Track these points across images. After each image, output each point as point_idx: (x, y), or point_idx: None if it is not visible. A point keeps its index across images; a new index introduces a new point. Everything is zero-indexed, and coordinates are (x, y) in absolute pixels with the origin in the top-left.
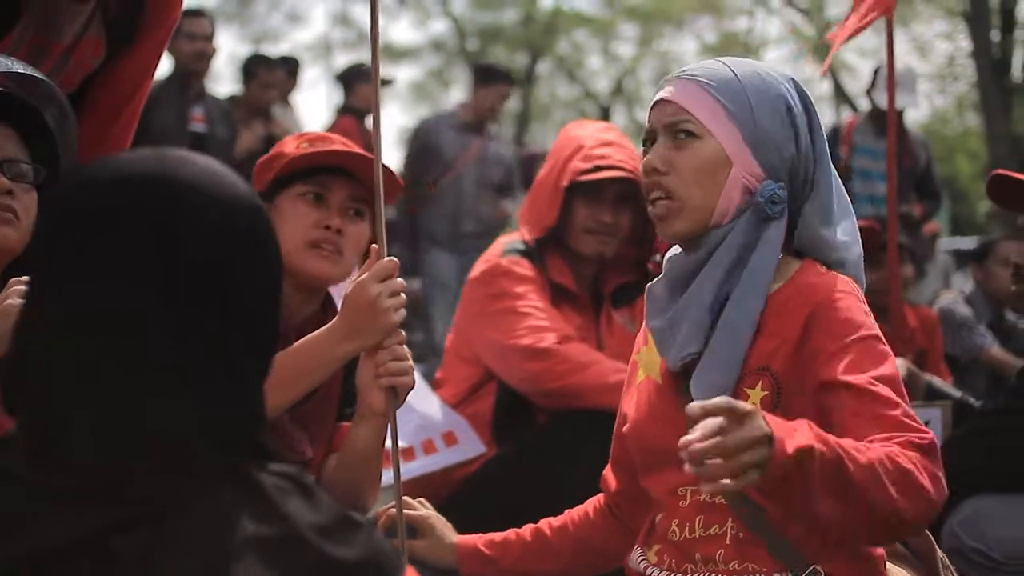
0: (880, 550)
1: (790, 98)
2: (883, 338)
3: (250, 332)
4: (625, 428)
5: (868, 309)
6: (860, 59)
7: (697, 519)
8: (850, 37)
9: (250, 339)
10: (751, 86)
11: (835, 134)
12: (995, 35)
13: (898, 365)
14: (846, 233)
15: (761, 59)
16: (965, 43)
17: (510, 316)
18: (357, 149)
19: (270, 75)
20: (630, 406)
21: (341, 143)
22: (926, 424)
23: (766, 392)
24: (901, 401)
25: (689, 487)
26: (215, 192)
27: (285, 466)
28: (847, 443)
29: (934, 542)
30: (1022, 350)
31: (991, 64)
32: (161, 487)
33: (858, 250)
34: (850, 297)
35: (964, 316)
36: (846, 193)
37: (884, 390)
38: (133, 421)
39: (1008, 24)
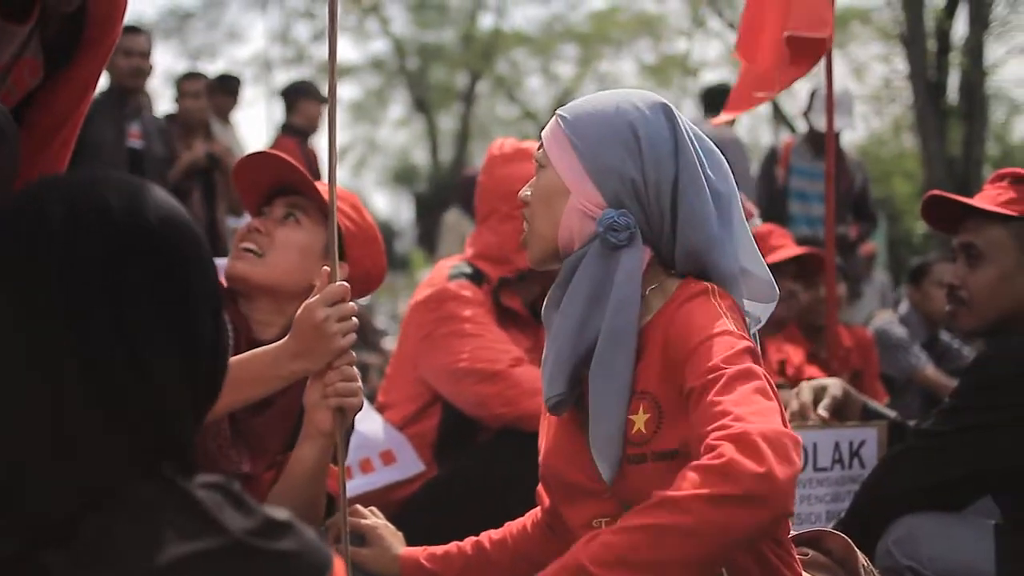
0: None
1: (642, 126)
2: (734, 331)
3: (179, 349)
4: (540, 461)
5: (727, 311)
6: (798, 80)
7: None
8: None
9: (184, 359)
10: (600, 117)
11: (773, 155)
12: (931, 58)
13: (834, 385)
14: (735, 256)
15: (700, 80)
16: (901, 65)
17: (460, 339)
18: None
19: (194, 84)
20: (543, 437)
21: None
22: (861, 444)
23: (648, 415)
24: (739, 385)
25: (603, 518)
26: (126, 213)
27: (213, 477)
28: (610, 537)
29: (854, 546)
30: (956, 370)
31: (927, 86)
32: (91, 503)
33: (757, 272)
34: (698, 300)
35: (899, 336)
36: (741, 214)
37: (715, 380)
38: (57, 438)
39: (944, 47)
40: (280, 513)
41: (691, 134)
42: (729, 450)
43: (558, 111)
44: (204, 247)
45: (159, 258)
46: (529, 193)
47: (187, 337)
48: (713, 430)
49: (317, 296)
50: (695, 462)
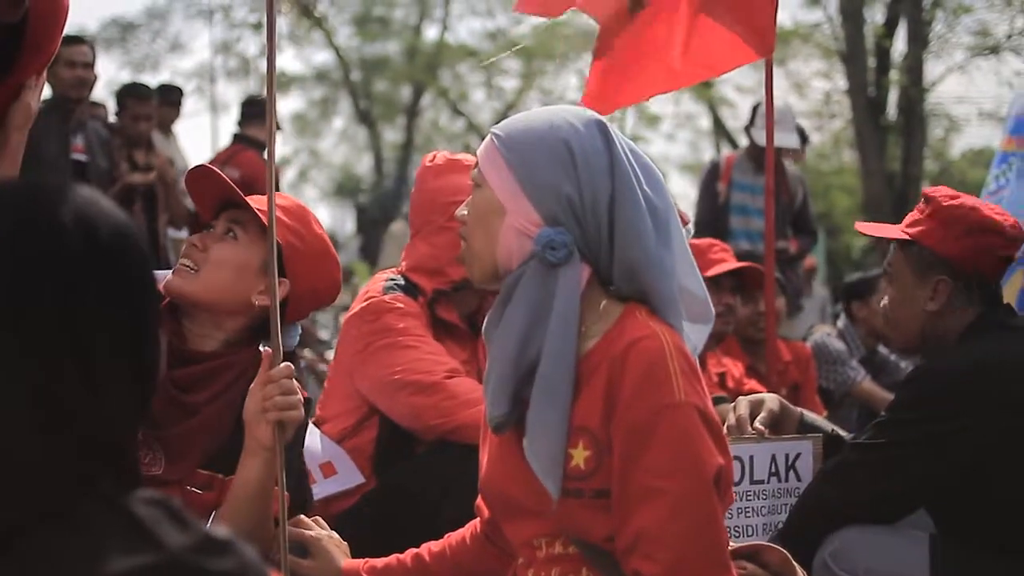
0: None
1: (577, 142)
2: (695, 432)
3: (128, 364)
4: (481, 477)
5: (682, 376)
6: (739, 96)
7: (553, 569)
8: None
9: (131, 372)
10: (534, 134)
11: (715, 170)
12: (871, 74)
13: (769, 400)
14: (673, 272)
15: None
16: (842, 82)
17: (395, 352)
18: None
19: (140, 107)
20: (484, 454)
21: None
22: (797, 457)
23: (588, 452)
24: (681, 522)
25: (544, 538)
26: (77, 224)
27: (154, 493)
28: None
29: (791, 559)
30: (893, 384)
31: (866, 103)
32: (29, 518)
33: (695, 290)
34: (654, 363)
35: (837, 350)
36: (679, 229)
37: (655, 496)
38: None
39: (883, 64)
40: (220, 531)
41: (626, 149)
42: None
43: (492, 129)
44: (150, 261)
45: (111, 274)
46: (466, 212)
47: (135, 351)
48: (638, 559)
49: (258, 381)
50: None
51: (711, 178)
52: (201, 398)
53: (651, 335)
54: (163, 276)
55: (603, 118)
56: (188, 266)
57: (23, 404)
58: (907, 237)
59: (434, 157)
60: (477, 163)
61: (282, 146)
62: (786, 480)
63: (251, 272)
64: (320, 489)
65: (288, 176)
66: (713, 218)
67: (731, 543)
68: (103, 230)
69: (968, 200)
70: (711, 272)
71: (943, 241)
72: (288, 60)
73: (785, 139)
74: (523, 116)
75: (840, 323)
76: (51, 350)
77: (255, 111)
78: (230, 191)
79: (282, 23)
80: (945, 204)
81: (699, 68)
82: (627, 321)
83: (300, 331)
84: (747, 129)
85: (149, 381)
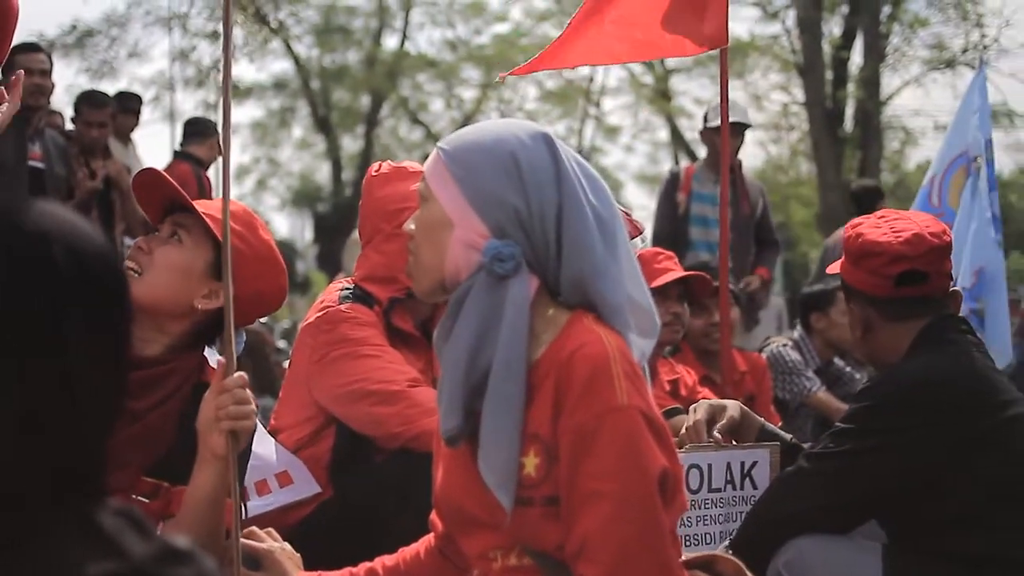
0: None
1: (523, 154)
2: (638, 433)
3: (84, 370)
4: (434, 491)
5: (626, 380)
6: (697, 107)
7: None
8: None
9: (86, 377)
10: (480, 147)
11: (674, 180)
12: (828, 87)
13: (731, 407)
14: (621, 283)
15: (601, 107)
16: (799, 94)
17: (355, 361)
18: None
19: (95, 113)
20: (437, 467)
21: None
22: (753, 465)
23: (539, 459)
24: (624, 527)
25: (499, 550)
26: (53, 235)
27: (119, 503)
28: None
29: (745, 569)
30: (848, 395)
31: (824, 115)
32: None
33: (642, 302)
34: (598, 368)
35: (793, 361)
36: (626, 239)
37: (598, 499)
38: None
39: (840, 76)
40: (180, 541)
41: (572, 161)
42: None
43: (438, 143)
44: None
45: (93, 288)
46: (413, 227)
47: (112, 362)
48: (583, 563)
49: (212, 390)
50: None
51: (671, 189)
52: (144, 405)
53: (595, 340)
54: None
55: (548, 130)
56: (132, 269)
57: (3, 408)
58: (837, 272)
59: (379, 167)
60: (424, 177)
61: (240, 154)
62: (742, 488)
63: (195, 276)
64: (276, 499)
65: (247, 185)
66: (673, 229)
67: (688, 552)
68: (87, 245)
69: (863, 226)
70: (658, 282)
71: (847, 271)
72: (246, 69)
73: (744, 117)
74: (470, 130)
75: (796, 334)
76: (33, 356)
77: (196, 130)
78: (176, 194)
79: (239, 32)
80: (845, 235)
81: (645, 48)
82: (573, 328)
83: (244, 338)
84: (702, 133)
85: (123, 392)
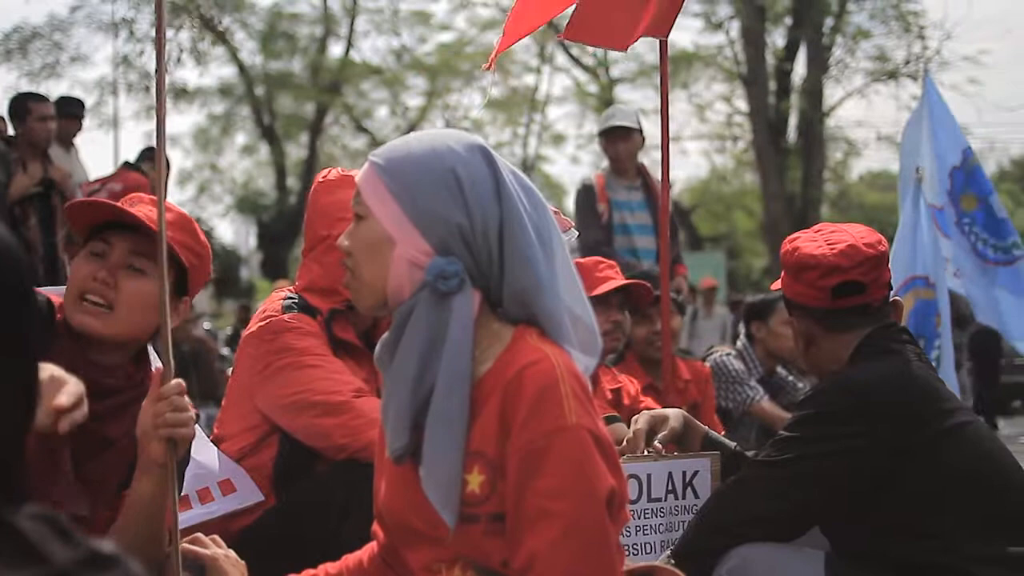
0: None
1: (463, 169)
2: (586, 453)
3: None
4: (377, 503)
5: (574, 399)
6: (642, 117)
7: None
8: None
9: (17, 384)
10: (417, 162)
11: (590, 191)
12: (771, 98)
13: (673, 416)
14: (561, 296)
15: (546, 115)
16: (743, 104)
17: (299, 371)
18: (139, 211)
19: (43, 107)
20: (380, 479)
21: (123, 199)
22: (695, 475)
23: (483, 476)
24: (571, 544)
25: (442, 563)
26: None
27: (39, 508)
28: None
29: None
30: (791, 404)
31: (767, 125)
32: None
33: (584, 317)
34: (546, 387)
35: (736, 370)
36: (564, 250)
37: (544, 517)
38: None
39: (784, 87)
40: (106, 546)
41: (509, 173)
42: None
43: (371, 156)
44: (29, 272)
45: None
46: (348, 243)
47: (19, 362)
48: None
49: (149, 398)
50: None
51: (590, 200)
52: (117, 431)
53: (543, 358)
54: (59, 292)
55: (483, 142)
56: (99, 304)
57: None
58: (779, 287)
59: (328, 173)
60: (359, 192)
61: (183, 160)
62: (683, 497)
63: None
64: (218, 507)
65: (189, 191)
66: (599, 239)
67: (628, 562)
68: None
69: (799, 240)
70: (599, 290)
71: (786, 285)
72: (191, 74)
73: (625, 119)
74: (403, 142)
75: (739, 343)
76: None
77: (151, 155)
78: (125, 220)
79: (184, 37)
80: (782, 250)
81: (583, 31)
82: (519, 344)
83: None
84: (600, 141)
85: (33, 394)
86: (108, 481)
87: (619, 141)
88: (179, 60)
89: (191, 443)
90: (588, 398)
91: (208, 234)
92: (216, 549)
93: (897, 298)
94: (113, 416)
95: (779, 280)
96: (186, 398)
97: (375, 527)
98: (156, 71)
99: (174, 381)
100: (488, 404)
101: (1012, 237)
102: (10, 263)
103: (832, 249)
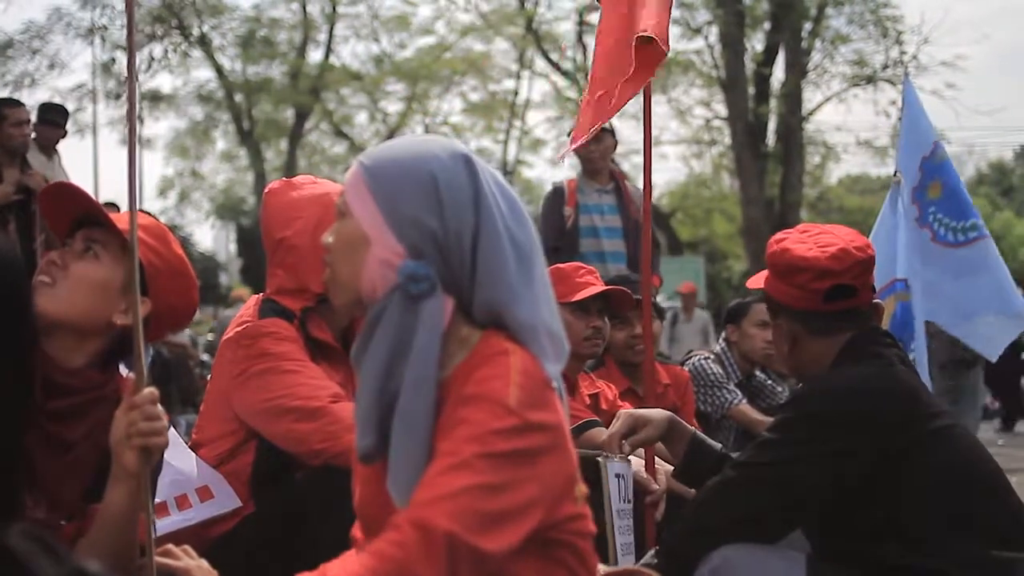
0: None
1: (442, 175)
2: (506, 404)
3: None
4: (355, 504)
5: (519, 375)
6: (619, 121)
7: None
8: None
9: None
10: (399, 165)
11: (559, 194)
12: (750, 102)
13: (658, 418)
14: (535, 308)
15: (526, 120)
16: (722, 109)
17: (276, 376)
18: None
19: (18, 112)
20: (357, 479)
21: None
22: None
23: None
24: (465, 473)
25: None
26: None
27: (29, 526)
28: None
29: None
30: (770, 407)
31: (746, 130)
32: None
33: (554, 329)
34: (494, 359)
35: (715, 373)
36: (542, 266)
37: (450, 457)
38: None
39: (763, 92)
40: (91, 564)
41: (492, 183)
42: (409, 544)
43: (359, 158)
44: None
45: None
46: (331, 240)
47: (13, 377)
48: (413, 504)
49: (122, 407)
50: (384, 537)
51: (557, 203)
52: (75, 434)
53: (502, 351)
54: None
55: (470, 151)
56: (44, 281)
57: None
58: (762, 287)
59: (273, 184)
60: (344, 191)
61: (163, 167)
62: None
63: (113, 291)
64: (196, 513)
65: (171, 198)
66: (561, 243)
67: (605, 567)
68: None
69: (787, 241)
70: (579, 296)
71: (772, 287)
72: (167, 80)
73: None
74: (391, 145)
75: (718, 347)
76: None
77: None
78: (89, 209)
79: (158, 50)
80: (769, 251)
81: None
82: (483, 344)
83: (152, 352)
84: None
85: (27, 409)
86: (66, 486)
87: (591, 143)
88: (148, 68)
89: (164, 452)
90: (539, 401)
91: (185, 241)
92: (188, 560)
93: (878, 301)
94: (72, 417)
95: (757, 278)
96: (159, 407)
97: (355, 531)
98: (127, 79)
99: (147, 390)
100: (450, 403)
101: (972, 218)
102: (11, 276)
103: (824, 252)
